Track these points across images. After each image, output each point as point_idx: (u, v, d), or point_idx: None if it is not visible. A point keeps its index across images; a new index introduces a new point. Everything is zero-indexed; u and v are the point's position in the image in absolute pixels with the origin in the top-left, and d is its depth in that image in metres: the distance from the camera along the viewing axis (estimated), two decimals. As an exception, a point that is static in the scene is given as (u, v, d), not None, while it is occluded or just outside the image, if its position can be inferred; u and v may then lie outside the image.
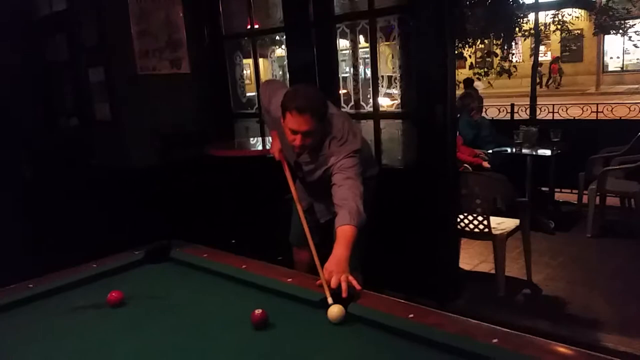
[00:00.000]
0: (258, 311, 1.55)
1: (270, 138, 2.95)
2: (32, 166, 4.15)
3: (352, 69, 3.71)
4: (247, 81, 4.65)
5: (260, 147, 3.79)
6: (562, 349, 1.27)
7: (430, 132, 3.16)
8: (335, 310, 1.54)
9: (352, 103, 3.69)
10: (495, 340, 1.30)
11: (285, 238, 2.89)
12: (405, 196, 3.26)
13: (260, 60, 4.41)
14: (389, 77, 3.46)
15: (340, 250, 1.89)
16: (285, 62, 3.81)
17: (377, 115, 3.46)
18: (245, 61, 4.47)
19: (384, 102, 3.61)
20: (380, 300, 1.60)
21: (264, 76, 4.84)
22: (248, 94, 4.66)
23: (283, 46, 4.20)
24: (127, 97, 3.90)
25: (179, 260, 2.11)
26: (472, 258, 4.10)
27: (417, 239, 3.26)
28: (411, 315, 1.47)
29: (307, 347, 1.46)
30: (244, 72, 4.58)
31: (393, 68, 3.43)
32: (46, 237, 3.43)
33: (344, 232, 1.98)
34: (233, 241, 3.73)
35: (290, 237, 2.86)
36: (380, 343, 1.42)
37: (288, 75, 3.82)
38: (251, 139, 4.40)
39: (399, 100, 3.44)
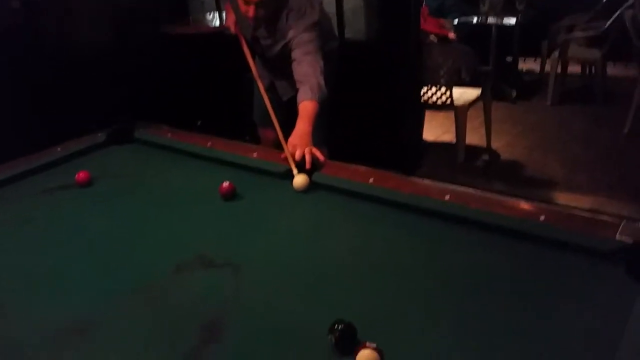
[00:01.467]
0: (226, 183, 1.61)
1: (225, 11, 2.82)
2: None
3: None
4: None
5: (217, 23, 3.63)
6: (504, 200, 1.38)
7: (394, 1, 3.07)
8: (299, 180, 1.61)
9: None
10: (447, 197, 1.40)
11: (249, 118, 2.89)
12: (369, 69, 3.24)
13: None
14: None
15: (302, 125, 1.92)
16: None
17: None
18: None
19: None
20: (343, 168, 1.67)
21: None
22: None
23: None
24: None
25: (143, 141, 2.11)
26: (436, 129, 4.20)
27: (381, 112, 3.30)
28: (371, 180, 1.55)
29: (272, 213, 1.54)
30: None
31: None
32: (9, 124, 3.34)
33: (306, 107, 2.00)
34: (199, 123, 3.71)
35: (254, 116, 2.86)
36: (343, 207, 1.51)
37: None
38: (207, 14, 4.19)
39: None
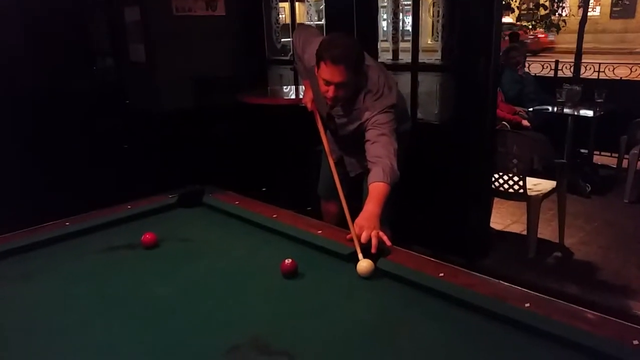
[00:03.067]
0: (288, 260, 1.56)
1: (303, 87, 2.89)
2: (66, 107, 4.19)
3: (392, 17, 3.57)
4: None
5: (293, 96, 3.74)
6: (591, 317, 1.24)
7: (471, 86, 3.05)
8: (364, 265, 1.54)
9: (391, 54, 3.58)
10: (527, 305, 1.28)
11: (314, 189, 2.89)
12: (440, 152, 3.19)
13: (297, 4, 4.29)
14: (431, 27, 3.32)
15: (372, 206, 1.87)
16: (322, 7, 3.69)
17: (416, 67, 3.34)
18: (281, 4, 4.36)
19: (424, 54, 3.47)
20: (410, 257, 1.59)
21: (300, 21, 4.72)
22: (283, 40, 4.56)
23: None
24: (161, 39, 3.86)
25: (212, 206, 2.12)
26: (504, 218, 4.04)
27: (449, 196, 3.21)
28: (441, 275, 1.45)
29: (334, 298, 1.47)
30: (280, 16, 4.47)
31: (435, 17, 3.29)
32: (82, 178, 3.51)
33: (377, 188, 1.96)
34: (264, 189, 3.76)
35: (319, 189, 2.85)
36: (407, 299, 1.42)
37: (324, 20, 3.71)
38: (284, 87, 4.34)
39: (439, 52, 3.31)
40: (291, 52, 4.23)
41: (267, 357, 1.19)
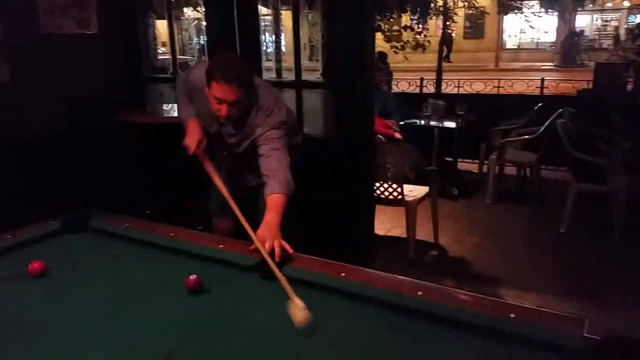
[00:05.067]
0: (193, 277, 1.57)
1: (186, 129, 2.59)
2: None
3: (273, 37, 3.69)
4: (160, 46, 4.47)
5: (174, 114, 3.68)
6: (474, 299, 1.42)
7: (351, 103, 3.25)
8: (301, 315, 1.39)
9: (274, 72, 3.69)
10: (420, 293, 1.42)
11: (203, 207, 2.87)
12: (326, 165, 3.34)
13: (174, 23, 4.24)
14: (311, 47, 3.49)
15: (271, 217, 1.93)
16: (203, 27, 3.70)
17: (300, 84, 3.48)
18: (158, 22, 4.28)
19: (307, 73, 3.63)
20: (313, 262, 1.67)
21: (178, 39, 4.66)
22: (161, 57, 4.48)
23: (199, 8, 4.07)
24: (29, 58, 3.60)
25: (100, 230, 2.04)
26: (386, 223, 4.30)
27: (336, 206, 3.36)
28: (343, 274, 1.55)
29: (245, 309, 1.50)
30: (156, 33, 4.38)
31: (314, 38, 3.47)
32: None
33: (275, 200, 2.03)
34: (148, 211, 3.63)
35: (210, 206, 2.84)
36: (314, 300, 1.49)
37: (206, 40, 3.72)
38: (165, 105, 4.25)
39: (321, 70, 3.48)
40: (170, 70, 4.17)
41: (183, 371, 1.20)
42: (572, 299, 3.11)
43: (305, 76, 3.52)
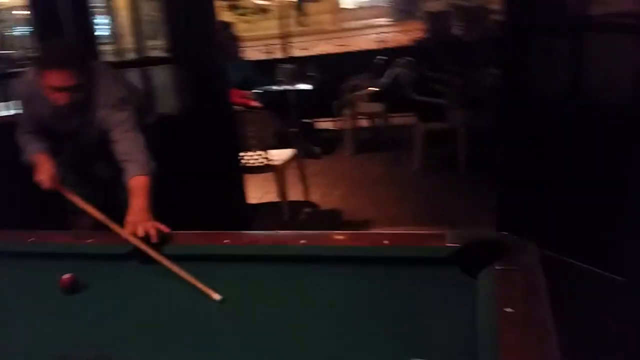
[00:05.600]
0: (66, 276, 1.48)
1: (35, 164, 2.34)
2: None
3: (109, 17, 3.46)
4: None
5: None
6: (354, 235, 1.55)
7: (202, 75, 3.21)
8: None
9: (115, 53, 3.48)
10: (303, 241, 1.51)
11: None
12: (188, 141, 3.28)
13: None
14: (151, 23, 3.34)
15: (138, 201, 1.88)
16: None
17: (145, 61, 3.33)
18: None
19: (152, 51, 3.47)
20: (192, 236, 1.68)
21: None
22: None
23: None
24: None
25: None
26: (256, 192, 4.35)
27: (205, 182, 3.33)
28: (227, 241, 1.59)
29: (126, 298, 1.46)
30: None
31: (153, 13, 3.32)
32: None
33: (138, 182, 1.97)
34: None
35: (67, 204, 2.66)
36: (201, 272, 1.50)
37: (31, 30, 3.38)
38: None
39: (165, 45, 3.36)
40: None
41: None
42: (433, 225, 3.46)
43: (151, 54, 3.38)
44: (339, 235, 1.56)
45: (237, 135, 3.59)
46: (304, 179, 4.10)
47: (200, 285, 1.40)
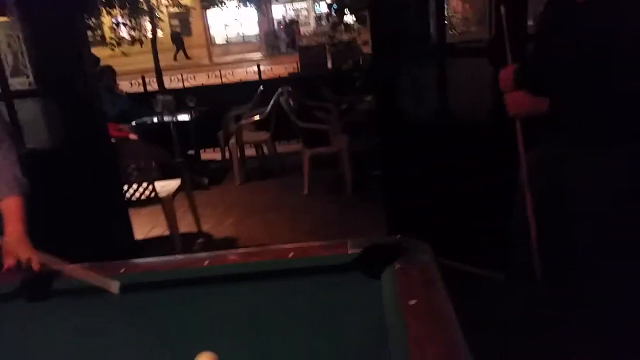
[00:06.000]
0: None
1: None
2: None
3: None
4: None
5: None
6: (253, 250, 1.54)
7: (75, 107, 3.06)
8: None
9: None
10: (206, 263, 1.48)
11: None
12: (61, 177, 3.06)
13: None
14: (14, 53, 3.10)
15: (14, 226, 1.68)
16: None
17: (9, 95, 3.07)
18: None
19: (16, 81, 3.19)
20: (88, 268, 1.57)
21: None
22: None
23: None
24: None
25: None
26: (142, 227, 4.16)
27: (87, 219, 3.12)
28: (123, 270, 1.50)
29: (17, 343, 1.32)
30: None
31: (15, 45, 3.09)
32: None
33: (10, 205, 1.75)
34: None
35: None
36: (94, 307, 1.40)
37: None
38: None
39: (31, 78, 3.13)
40: None
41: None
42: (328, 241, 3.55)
43: (17, 87, 3.13)
44: (243, 252, 1.55)
45: (117, 168, 3.43)
46: (194, 209, 4.00)
47: (97, 279, 1.40)
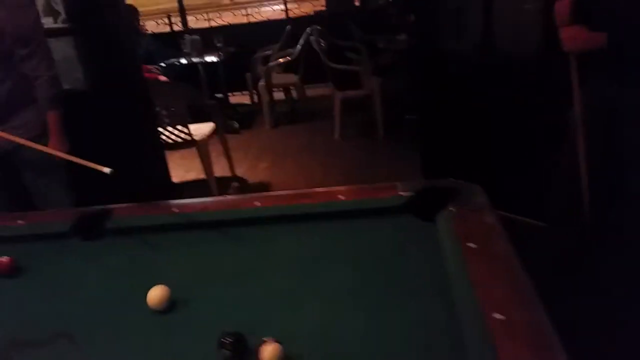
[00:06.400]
0: (2, 259, 1.35)
1: None
2: None
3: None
4: None
5: None
6: (304, 192, 1.53)
7: (108, 45, 3.01)
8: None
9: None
10: (257, 203, 1.47)
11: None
12: (97, 118, 3.06)
13: None
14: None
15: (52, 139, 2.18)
16: None
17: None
18: None
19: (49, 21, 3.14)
20: (137, 208, 1.58)
21: None
22: None
23: None
24: None
25: None
26: (176, 171, 4.19)
27: (124, 160, 3.12)
28: (175, 210, 1.51)
29: (74, 275, 1.35)
30: None
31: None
32: None
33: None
34: None
35: None
36: (141, 247, 1.43)
37: None
38: None
39: (64, 15, 3.08)
40: None
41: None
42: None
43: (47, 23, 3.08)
44: (292, 194, 1.54)
45: (152, 109, 3.41)
46: (227, 153, 3.99)
47: (88, 164, 1.52)
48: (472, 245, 1.18)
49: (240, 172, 4.12)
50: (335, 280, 1.18)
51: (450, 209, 1.33)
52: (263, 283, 1.21)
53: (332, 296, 1.13)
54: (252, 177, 4.05)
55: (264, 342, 0.93)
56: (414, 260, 1.22)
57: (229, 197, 1.61)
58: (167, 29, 6.43)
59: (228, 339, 0.94)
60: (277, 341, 0.93)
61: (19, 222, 1.57)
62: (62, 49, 3.12)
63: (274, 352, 0.91)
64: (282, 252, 1.32)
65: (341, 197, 1.47)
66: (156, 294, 1.13)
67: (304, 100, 5.50)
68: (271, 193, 1.56)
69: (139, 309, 1.14)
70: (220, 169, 4.05)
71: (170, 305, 1.14)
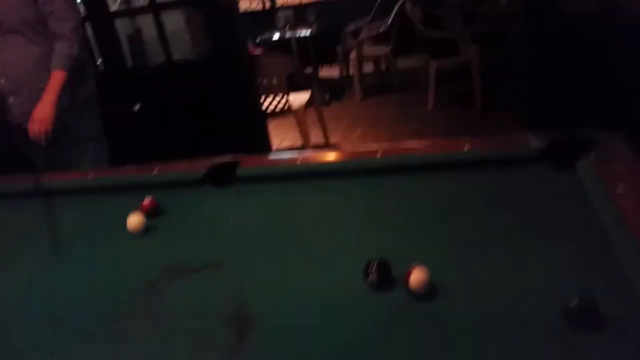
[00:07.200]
0: (146, 201, 1.45)
1: None
2: None
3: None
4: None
5: None
6: (426, 143, 1.51)
7: (218, 18, 3.12)
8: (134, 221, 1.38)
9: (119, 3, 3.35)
10: (378, 154, 1.48)
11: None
12: (204, 87, 3.20)
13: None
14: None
15: (48, 97, 2.13)
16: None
17: (155, 6, 3.20)
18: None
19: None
20: (262, 160, 1.63)
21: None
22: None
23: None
24: None
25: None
26: (273, 139, 4.28)
27: (227, 126, 3.26)
28: (299, 160, 1.55)
29: (209, 217, 1.44)
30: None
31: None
32: None
33: (52, 78, 2.16)
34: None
35: None
36: (270, 194, 1.47)
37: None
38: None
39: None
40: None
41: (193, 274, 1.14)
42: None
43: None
44: (415, 144, 1.53)
45: (255, 79, 3.51)
46: (322, 121, 4.04)
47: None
48: (621, 190, 1.12)
49: (333, 141, 4.15)
50: (478, 224, 1.17)
51: (592, 157, 1.27)
52: (399, 226, 1.22)
53: (479, 240, 1.12)
54: (347, 146, 4.07)
55: (413, 267, 0.94)
56: (560, 204, 1.18)
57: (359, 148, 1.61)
58: (260, 7, 6.54)
59: (374, 265, 0.98)
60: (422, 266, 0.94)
61: (154, 172, 1.68)
62: (173, 22, 3.29)
63: (423, 276, 0.93)
64: (413, 200, 1.32)
65: (467, 148, 1.44)
66: (134, 220, 1.34)
67: (394, 72, 5.41)
68: (393, 143, 1.56)
69: (279, 240, 1.21)
70: (315, 138, 4.10)
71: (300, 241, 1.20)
